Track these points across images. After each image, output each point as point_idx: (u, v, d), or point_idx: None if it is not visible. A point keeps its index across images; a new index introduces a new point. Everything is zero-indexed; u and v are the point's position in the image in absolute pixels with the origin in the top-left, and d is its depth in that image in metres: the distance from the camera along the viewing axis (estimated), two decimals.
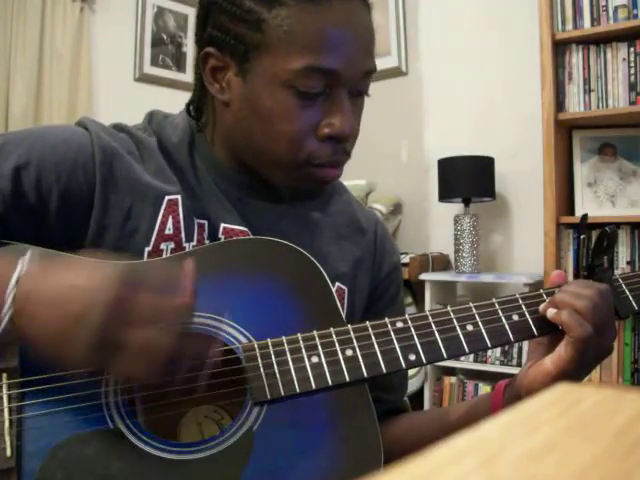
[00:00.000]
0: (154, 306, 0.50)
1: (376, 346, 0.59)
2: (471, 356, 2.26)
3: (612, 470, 0.18)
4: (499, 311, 0.63)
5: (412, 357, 0.59)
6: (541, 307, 0.63)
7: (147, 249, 0.64)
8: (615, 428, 0.21)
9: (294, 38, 0.61)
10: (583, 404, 0.24)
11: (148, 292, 0.50)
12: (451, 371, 2.36)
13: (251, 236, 0.69)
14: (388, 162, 2.77)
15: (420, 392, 2.34)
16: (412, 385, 2.25)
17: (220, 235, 0.69)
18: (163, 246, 0.65)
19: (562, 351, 0.60)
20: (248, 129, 0.66)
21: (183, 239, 0.66)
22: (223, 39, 0.64)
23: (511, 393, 0.66)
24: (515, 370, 2.12)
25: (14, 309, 0.49)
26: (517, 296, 0.65)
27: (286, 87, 0.62)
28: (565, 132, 2.22)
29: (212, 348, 0.53)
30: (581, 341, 0.58)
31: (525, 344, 2.13)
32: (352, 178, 2.23)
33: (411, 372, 2.23)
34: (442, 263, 2.50)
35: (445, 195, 2.36)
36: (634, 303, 0.65)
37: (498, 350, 2.22)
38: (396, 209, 2.64)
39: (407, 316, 0.62)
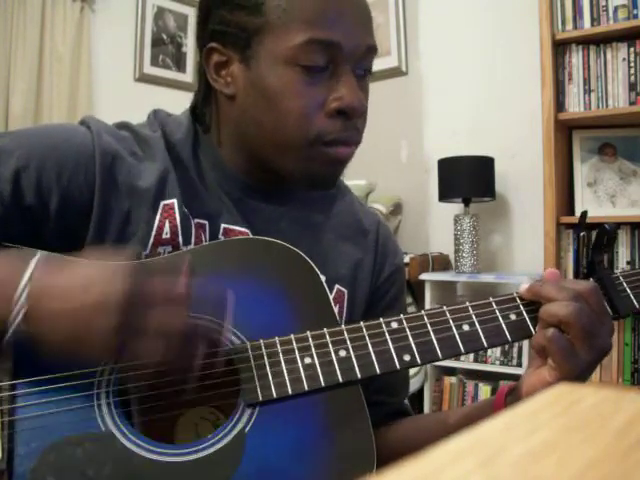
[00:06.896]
0: (165, 293, 0.52)
1: (370, 347, 0.58)
2: (471, 356, 2.26)
3: (612, 470, 0.18)
4: (496, 310, 0.61)
5: (407, 357, 0.58)
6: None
7: (144, 253, 0.64)
8: (615, 428, 0.21)
9: (293, 15, 0.62)
10: (583, 404, 0.24)
11: (157, 283, 0.52)
12: (451, 371, 2.36)
13: (246, 236, 0.69)
14: (388, 162, 2.77)
15: (420, 392, 2.34)
16: (412, 385, 2.25)
17: (220, 236, 0.68)
18: (160, 250, 0.65)
19: (551, 368, 0.58)
20: (255, 117, 0.66)
21: (181, 242, 0.65)
22: (225, 31, 0.65)
23: (513, 399, 0.64)
24: (515, 370, 2.12)
25: (28, 306, 0.49)
26: (515, 295, 0.63)
27: (290, 65, 0.63)
28: (565, 132, 2.22)
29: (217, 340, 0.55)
30: (565, 364, 0.57)
31: (525, 343, 2.13)
32: (352, 178, 2.22)
33: (411, 372, 2.24)
34: (442, 263, 2.50)
35: (445, 195, 2.36)
36: (635, 301, 0.63)
37: (498, 350, 2.22)
38: (396, 209, 2.64)
39: (402, 316, 0.61)
